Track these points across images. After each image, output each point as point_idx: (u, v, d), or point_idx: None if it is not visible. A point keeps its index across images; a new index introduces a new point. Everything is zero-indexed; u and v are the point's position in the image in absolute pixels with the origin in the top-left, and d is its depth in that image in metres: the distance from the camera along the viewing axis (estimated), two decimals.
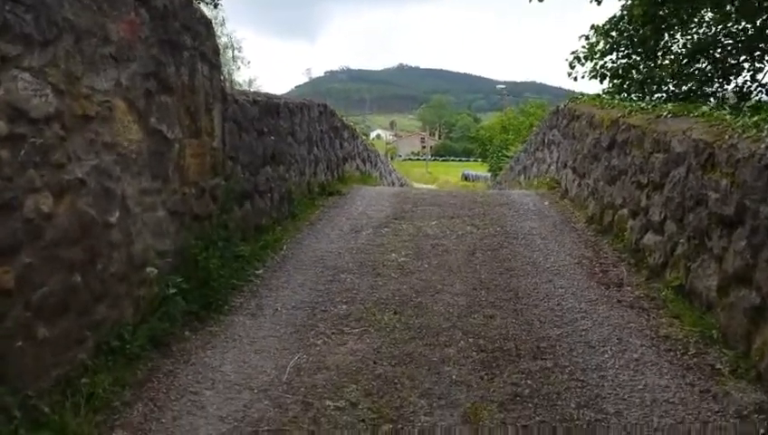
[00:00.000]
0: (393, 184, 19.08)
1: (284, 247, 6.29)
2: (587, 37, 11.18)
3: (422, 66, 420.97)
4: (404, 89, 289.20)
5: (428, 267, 5.84)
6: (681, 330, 4.27)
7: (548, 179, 10.15)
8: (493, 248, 6.49)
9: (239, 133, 5.84)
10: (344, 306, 4.77)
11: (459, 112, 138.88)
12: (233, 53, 26.06)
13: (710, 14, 11.19)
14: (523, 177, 14.46)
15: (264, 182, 6.52)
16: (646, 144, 5.62)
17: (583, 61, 11.46)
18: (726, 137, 4.15)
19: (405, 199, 9.27)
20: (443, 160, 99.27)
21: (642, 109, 6.42)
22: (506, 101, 63.08)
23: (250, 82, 28.31)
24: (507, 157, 27.28)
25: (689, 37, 11.46)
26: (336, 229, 7.28)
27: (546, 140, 10.89)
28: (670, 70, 10.92)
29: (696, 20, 11.28)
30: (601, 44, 11.02)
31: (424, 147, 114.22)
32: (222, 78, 5.49)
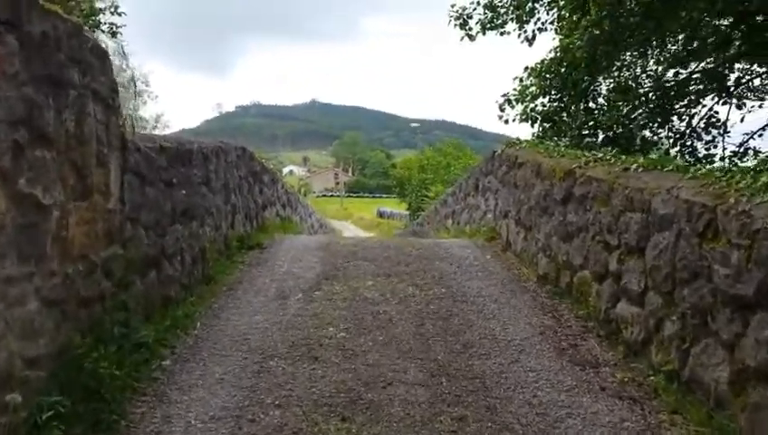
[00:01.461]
0: (313, 227, 18.14)
1: (198, 325, 5.20)
2: (521, 79, 10.82)
3: (334, 103, 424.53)
4: (316, 125, 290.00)
5: (374, 345, 4.95)
6: (688, 431, 3.59)
7: (485, 229, 9.55)
8: (442, 317, 5.69)
9: (143, 188, 4.79)
10: (277, 412, 3.76)
11: (372, 149, 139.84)
12: (134, 87, 24.33)
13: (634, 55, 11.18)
14: (451, 221, 13.89)
15: (173, 243, 5.45)
16: (615, 201, 5.03)
17: (514, 103, 11.08)
18: (732, 200, 3.55)
19: (334, 253, 8.36)
20: (357, 197, 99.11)
21: (601, 159, 5.89)
22: (419, 139, 63.71)
23: (157, 118, 26.67)
24: (428, 197, 27.01)
25: (615, 79, 11.37)
26: (260, 295, 6.27)
27: (481, 187, 10.34)
28: (600, 114, 10.72)
29: (619, 62, 11.21)
30: (533, 88, 10.67)
31: (337, 183, 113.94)
32: (121, 121, 4.45)
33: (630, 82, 10.98)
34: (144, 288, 4.72)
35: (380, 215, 67.16)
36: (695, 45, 10.50)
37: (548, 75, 10.28)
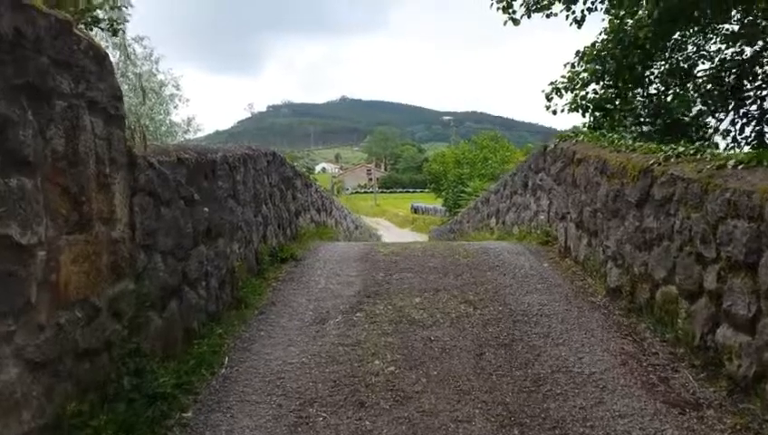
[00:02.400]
0: (349, 230, 17.51)
1: (226, 360, 4.56)
2: (572, 65, 9.96)
3: (364, 98, 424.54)
4: (347, 121, 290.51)
5: (428, 383, 4.23)
6: None
7: (538, 231, 8.74)
8: (504, 343, 4.94)
9: (158, 208, 4.16)
10: None
11: (403, 143, 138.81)
12: (160, 91, 23.96)
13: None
14: (494, 221, 13.08)
15: (196, 268, 4.82)
16: (711, 205, 4.21)
17: (562, 92, 10.23)
18: None
19: (375, 264, 7.68)
20: (390, 192, 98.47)
21: (683, 154, 5.05)
22: (453, 132, 62.66)
23: (189, 122, 26.19)
24: (465, 193, 26.17)
25: (670, 62, 10.41)
26: (295, 319, 5.61)
27: (531, 185, 9.52)
28: (660, 99, 9.80)
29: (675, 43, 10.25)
30: (584, 74, 9.81)
31: (370, 179, 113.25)
32: (128, 134, 3.82)
33: (685, 64, 10.00)
34: (163, 324, 4.09)
35: (415, 211, 66.37)
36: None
37: (601, 59, 9.39)
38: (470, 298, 6.13)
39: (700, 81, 9.67)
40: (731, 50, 9.75)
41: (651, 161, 5.27)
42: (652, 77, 9.92)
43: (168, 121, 25.08)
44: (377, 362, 4.60)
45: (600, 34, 9.90)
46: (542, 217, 8.76)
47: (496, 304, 5.91)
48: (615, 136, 6.84)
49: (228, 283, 5.70)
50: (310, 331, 5.28)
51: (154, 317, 3.96)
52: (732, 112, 9.86)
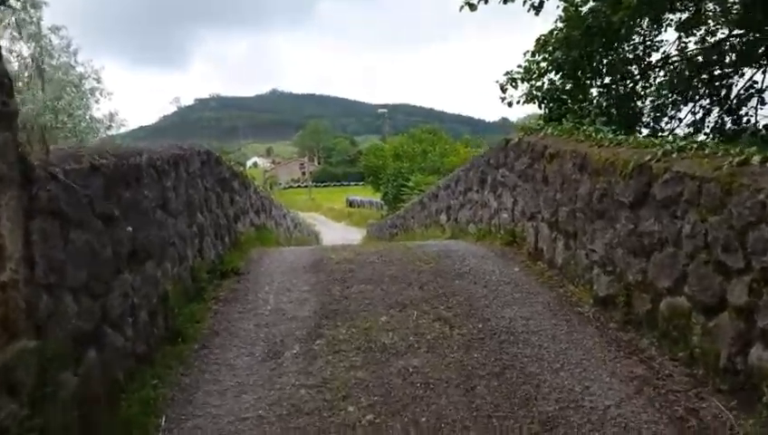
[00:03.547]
0: (289, 230, 16.56)
1: (163, 422, 3.63)
2: (533, 53, 9.37)
3: (295, 91, 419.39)
4: (278, 115, 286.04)
5: None
6: None
7: (502, 232, 8.11)
8: (495, 372, 4.24)
9: (65, 233, 3.21)
10: None
11: (336, 137, 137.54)
12: (79, 84, 22.22)
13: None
14: (445, 218, 12.44)
15: (119, 303, 3.87)
16: (736, 208, 3.62)
17: (517, 83, 9.66)
18: None
19: (328, 275, 6.87)
20: (324, 186, 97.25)
21: (686, 148, 4.47)
22: (386, 124, 62.25)
23: (111, 117, 24.36)
24: (407, 187, 25.54)
25: (627, 51, 10.00)
26: (244, 353, 4.73)
27: (490, 181, 8.89)
28: (618, 89, 9.37)
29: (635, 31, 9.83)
30: (543, 63, 9.26)
31: (303, 173, 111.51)
32: (21, 137, 2.87)
33: (642, 53, 9.60)
34: (78, 385, 3.15)
35: (350, 204, 65.60)
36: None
37: (563, 46, 8.84)
38: (443, 314, 5.40)
39: (658, 70, 9.29)
40: (692, 39, 9.43)
41: (647, 157, 4.67)
42: (607, 67, 9.44)
43: (88, 117, 23.29)
44: (350, 408, 3.80)
45: (556, 22, 9.36)
46: (506, 215, 8.13)
47: (474, 321, 5.21)
48: (592, 129, 6.25)
49: (161, 313, 4.75)
50: (263, 369, 4.41)
51: (66, 380, 3.03)
52: (690, 103, 9.55)
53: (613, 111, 9.46)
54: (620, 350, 4.52)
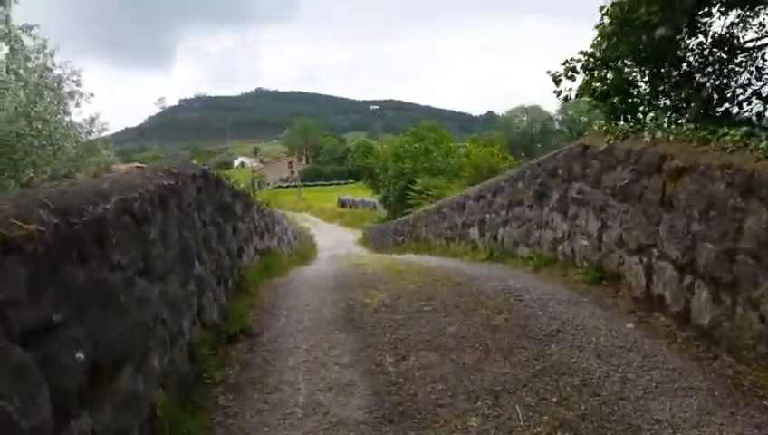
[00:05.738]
0: (291, 245, 14.82)
1: None
2: (599, 38, 7.64)
3: (280, 89, 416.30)
4: (264, 114, 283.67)
5: None
6: None
7: (583, 264, 6.38)
8: None
9: None
10: None
11: (324, 135, 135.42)
12: (57, 88, 20.34)
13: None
14: (477, 233, 10.71)
15: None
16: None
17: (575, 74, 7.96)
18: None
19: (370, 335, 5.17)
20: (314, 185, 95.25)
21: None
22: (379, 121, 60.52)
23: (91, 121, 22.45)
24: (413, 191, 23.77)
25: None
26: None
27: (557, 197, 7.16)
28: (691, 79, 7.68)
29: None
30: (608, 50, 7.55)
31: (292, 172, 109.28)
32: None
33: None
34: None
35: (342, 204, 63.75)
36: None
37: (636, 28, 7.10)
38: (562, 414, 3.66)
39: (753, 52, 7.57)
40: None
41: None
42: (690, 50, 7.72)
43: (66, 122, 21.41)
44: None
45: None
46: (585, 243, 6.40)
47: (618, 429, 3.47)
48: (734, 132, 4.49)
49: None
50: None
51: None
52: None
53: (692, 105, 7.74)
54: None
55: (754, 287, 3.91)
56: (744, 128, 5.18)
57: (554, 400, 3.83)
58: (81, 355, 2.21)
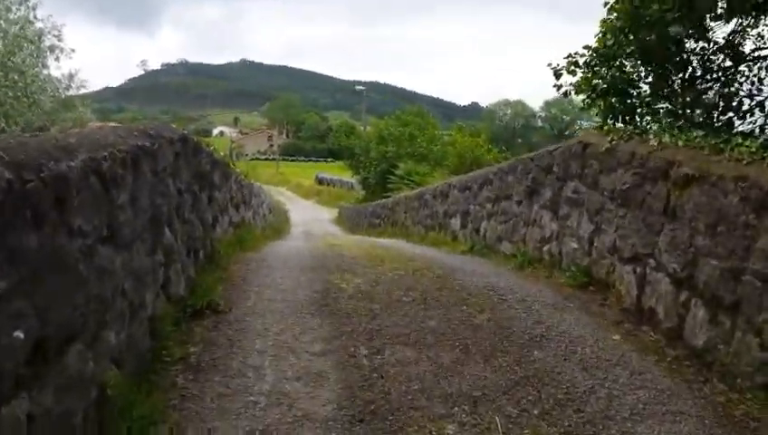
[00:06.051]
0: (266, 218, 14.47)
1: None
2: (603, 34, 7.39)
3: (266, 62, 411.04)
4: (247, 85, 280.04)
5: None
6: None
7: (570, 268, 6.19)
8: None
9: None
10: None
11: (307, 111, 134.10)
12: (37, 41, 19.66)
13: None
14: (458, 224, 10.49)
15: None
16: None
17: (575, 68, 7.75)
18: None
19: (345, 323, 4.90)
20: (293, 160, 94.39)
21: None
22: (364, 102, 59.96)
23: (70, 77, 21.80)
24: (394, 175, 23.48)
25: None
26: None
27: (549, 195, 6.94)
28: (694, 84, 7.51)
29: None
30: (615, 46, 7.34)
31: (271, 145, 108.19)
32: None
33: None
34: None
35: (320, 181, 63.26)
36: None
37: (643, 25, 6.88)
38: (545, 432, 3.43)
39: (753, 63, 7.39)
40: None
41: None
42: (696, 54, 7.53)
43: (44, 76, 20.69)
44: None
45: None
46: (574, 245, 6.20)
47: None
48: (750, 143, 4.30)
49: (94, 421, 2.71)
50: None
51: None
52: None
53: (697, 111, 7.55)
54: None
55: (759, 312, 3.71)
56: (762, 138, 4.98)
57: (536, 412, 3.62)
58: (20, 334, 1.91)
